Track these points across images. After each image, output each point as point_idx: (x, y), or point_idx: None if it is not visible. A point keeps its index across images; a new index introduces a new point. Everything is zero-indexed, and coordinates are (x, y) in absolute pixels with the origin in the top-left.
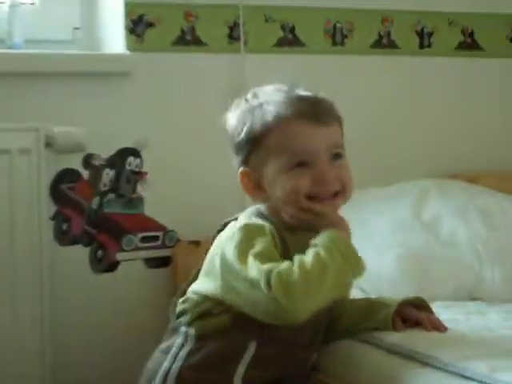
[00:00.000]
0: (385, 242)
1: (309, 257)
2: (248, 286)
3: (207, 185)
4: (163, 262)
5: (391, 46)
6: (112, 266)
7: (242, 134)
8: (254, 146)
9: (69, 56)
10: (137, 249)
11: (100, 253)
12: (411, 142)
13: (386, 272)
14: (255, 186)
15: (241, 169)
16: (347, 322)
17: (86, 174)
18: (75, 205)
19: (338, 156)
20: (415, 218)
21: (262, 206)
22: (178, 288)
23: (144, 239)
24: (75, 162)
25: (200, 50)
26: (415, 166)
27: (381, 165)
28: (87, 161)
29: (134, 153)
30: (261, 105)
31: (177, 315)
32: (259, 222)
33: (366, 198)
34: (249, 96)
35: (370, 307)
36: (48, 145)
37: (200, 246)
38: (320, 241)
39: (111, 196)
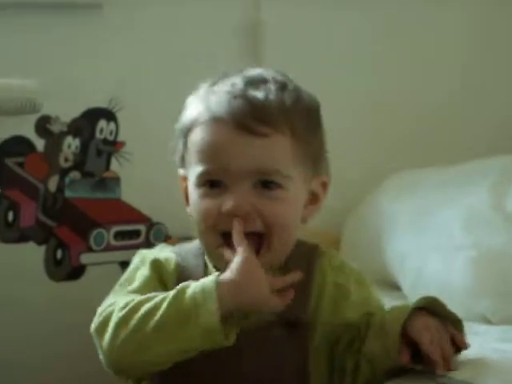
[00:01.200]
0: (454, 241)
1: (156, 299)
2: None
3: None
4: None
5: None
6: (76, 272)
7: (179, 125)
8: (183, 143)
9: None
10: (110, 248)
11: (60, 253)
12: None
13: (456, 283)
14: (186, 195)
15: (180, 170)
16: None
17: (40, 144)
18: (26, 186)
19: (270, 184)
20: (496, 208)
21: None
22: None
23: (120, 235)
24: (25, 128)
25: None
26: (498, 137)
27: (450, 139)
28: (42, 126)
29: (108, 115)
30: (205, 92)
31: None
32: (163, 253)
33: (428, 181)
34: (214, 78)
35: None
36: None
37: None
38: (188, 286)
39: (75, 175)
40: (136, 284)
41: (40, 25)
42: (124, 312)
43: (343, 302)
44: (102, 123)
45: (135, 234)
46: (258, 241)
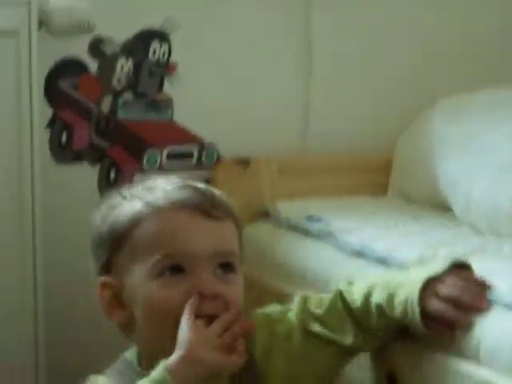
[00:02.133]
0: (504, 163)
1: None
2: None
3: (263, 82)
4: None
5: None
6: None
7: (104, 231)
8: (117, 244)
9: None
10: (162, 169)
11: (113, 174)
12: None
13: (506, 204)
14: (113, 302)
15: (100, 279)
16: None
17: (93, 65)
18: (79, 108)
19: (227, 267)
20: None
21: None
22: None
23: (172, 156)
24: (79, 49)
25: None
26: None
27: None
28: (95, 47)
29: (161, 36)
30: (132, 195)
31: None
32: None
33: (478, 103)
34: (124, 189)
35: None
36: (42, 24)
37: (249, 168)
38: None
39: (128, 96)
40: None
41: None
42: None
43: (291, 340)
44: (155, 44)
45: (187, 155)
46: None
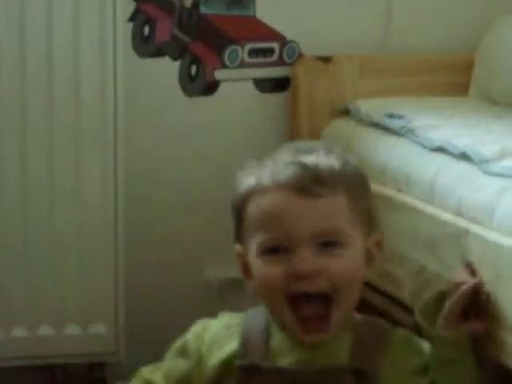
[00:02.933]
0: None
1: None
2: None
3: None
4: (279, 83)
5: None
6: (210, 87)
7: (232, 200)
8: (237, 216)
9: None
10: (244, 65)
11: (194, 69)
12: None
13: None
14: (245, 270)
15: (236, 246)
16: None
17: None
18: (161, 1)
19: (331, 244)
20: None
21: None
22: (297, 122)
23: (254, 52)
24: None
25: None
26: None
27: None
28: None
29: None
30: (253, 167)
31: None
32: (221, 320)
33: None
34: (252, 160)
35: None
36: None
37: (331, 64)
38: None
39: None
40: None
41: None
42: None
43: (415, 376)
44: None
45: (269, 51)
46: (324, 304)
